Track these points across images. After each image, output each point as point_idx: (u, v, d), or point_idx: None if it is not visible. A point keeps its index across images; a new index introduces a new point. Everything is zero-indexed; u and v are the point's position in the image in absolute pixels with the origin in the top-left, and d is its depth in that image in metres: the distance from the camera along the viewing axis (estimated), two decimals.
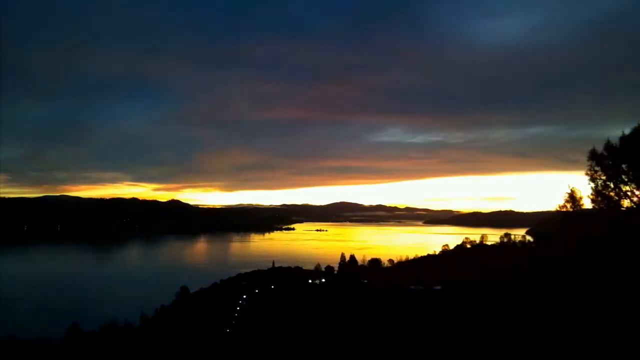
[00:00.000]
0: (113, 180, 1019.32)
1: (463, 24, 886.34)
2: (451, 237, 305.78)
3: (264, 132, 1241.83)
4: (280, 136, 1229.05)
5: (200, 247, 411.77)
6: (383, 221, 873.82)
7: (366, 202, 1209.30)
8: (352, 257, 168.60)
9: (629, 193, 20.38)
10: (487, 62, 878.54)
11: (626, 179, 20.59)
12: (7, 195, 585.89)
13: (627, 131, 21.45)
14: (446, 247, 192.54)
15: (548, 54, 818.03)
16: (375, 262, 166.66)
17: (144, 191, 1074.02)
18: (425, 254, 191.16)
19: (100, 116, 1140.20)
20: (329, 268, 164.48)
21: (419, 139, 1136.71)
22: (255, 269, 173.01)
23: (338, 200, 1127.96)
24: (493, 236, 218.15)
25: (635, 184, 20.03)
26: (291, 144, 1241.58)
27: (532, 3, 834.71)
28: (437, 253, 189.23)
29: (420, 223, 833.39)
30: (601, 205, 21.32)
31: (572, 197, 22.55)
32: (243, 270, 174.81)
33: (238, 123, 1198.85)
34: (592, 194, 21.80)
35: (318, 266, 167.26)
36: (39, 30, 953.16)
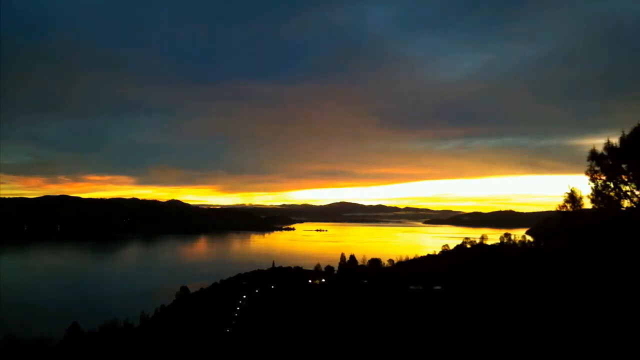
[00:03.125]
0: (116, 183, 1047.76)
1: (432, 62, 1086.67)
2: (451, 237, 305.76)
3: (264, 141, 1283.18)
4: (280, 144, 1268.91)
5: (200, 247, 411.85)
6: (383, 221, 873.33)
7: (366, 202, 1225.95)
8: (352, 257, 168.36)
9: (629, 193, 20.38)
10: (447, 89, 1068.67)
11: (626, 179, 20.59)
12: (9, 196, 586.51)
13: (627, 131, 21.47)
14: (446, 247, 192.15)
15: (502, 82, 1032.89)
16: (375, 262, 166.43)
17: (148, 193, 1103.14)
18: (425, 254, 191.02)
19: (108, 129, 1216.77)
20: (329, 268, 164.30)
21: (407, 146, 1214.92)
22: (255, 269, 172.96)
23: (338, 200, 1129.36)
24: (493, 236, 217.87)
25: (635, 184, 20.04)
26: (290, 151, 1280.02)
27: (481, 45, 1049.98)
28: (437, 253, 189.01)
29: (421, 223, 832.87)
30: (601, 206, 21.32)
31: (572, 197, 22.53)
32: (243, 270, 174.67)
33: (238, 134, 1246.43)
34: (592, 194, 21.79)
35: (318, 266, 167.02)
36: (56, 58, 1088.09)
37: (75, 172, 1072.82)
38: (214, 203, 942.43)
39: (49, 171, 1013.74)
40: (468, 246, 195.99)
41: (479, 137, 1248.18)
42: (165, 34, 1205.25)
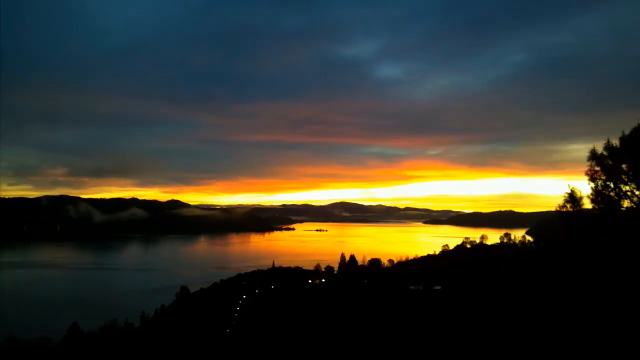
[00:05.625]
0: (118, 184, 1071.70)
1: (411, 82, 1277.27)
2: (451, 237, 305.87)
3: (265, 149, 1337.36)
4: (281, 151, 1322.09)
5: (200, 247, 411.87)
6: (383, 221, 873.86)
7: (366, 202, 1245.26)
8: (352, 257, 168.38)
9: (629, 193, 20.32)
10: (425, 107, 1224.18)
11: (626, 179, 20.54)
12: (10, 196, 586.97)
13: (626, 131, 21.42)
14: (446, 247, 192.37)
15: (471, 100, 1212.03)
16: (375, 262, 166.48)
17: (149, 193, 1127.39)
18: (425, 254, 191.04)
19: (116, 140, 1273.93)
20: (329, 268, 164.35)
21: (400, 152, 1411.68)
22: (255, 269, 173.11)
23: (338, 200, 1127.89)
24: (493, 236, 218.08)
25: (635, 184, 20.00)
26: (289, 156, 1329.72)
27: (453, 69, 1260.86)
28: (437, 253, 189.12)
29: (421, 223, 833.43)
30: (601, 206, 21.28)
31: (572, 197, 22.48)
32: (243, 270, 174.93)
33: (238, 142, 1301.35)
34: (592, 194, 21.73)
35: (318, 266, 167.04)
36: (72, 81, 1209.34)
37: (78, 174, 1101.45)
38: (214, 203, 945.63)
39: (53, 173, 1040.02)
40: (468, 246, 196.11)
41: (463, 144, 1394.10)
42: (165, 66, 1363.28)
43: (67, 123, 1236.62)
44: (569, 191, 22.78)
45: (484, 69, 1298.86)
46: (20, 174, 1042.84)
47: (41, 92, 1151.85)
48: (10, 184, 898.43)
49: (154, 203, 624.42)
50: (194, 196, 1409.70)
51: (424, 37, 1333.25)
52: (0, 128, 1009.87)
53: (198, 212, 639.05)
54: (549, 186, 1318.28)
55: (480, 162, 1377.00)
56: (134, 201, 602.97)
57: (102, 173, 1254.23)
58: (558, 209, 23.18)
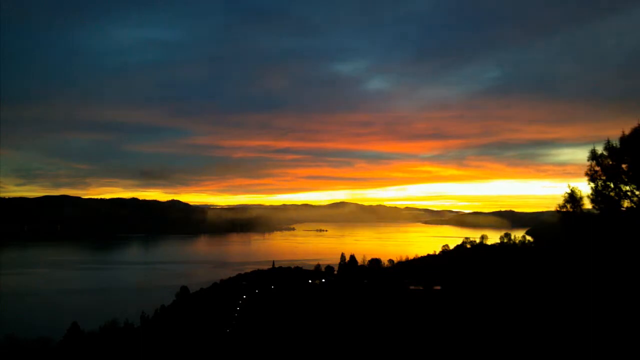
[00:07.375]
0: (118, 185, 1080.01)
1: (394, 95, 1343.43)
2: (451, 237, 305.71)
3: (259, 152, 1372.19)
4: (275, 154, 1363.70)
5: (201, 247, 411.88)
6: (383, 221, 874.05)
7: (366, 202, 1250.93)
8: (352, 257, 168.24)
9: (629, 193, 20.33)
10: (412, 115, 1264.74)
11: (626, 179, 20.54)
12: (11, 196, 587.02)
13: (626, 131, 21.40)
14: (446, 247, 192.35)
15: (456, 109, 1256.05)
16: (375, 262, 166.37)
17: (149, 194, 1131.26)
18: (425, 254, 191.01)
19: (119, 144, 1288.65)
20: (329, 268, 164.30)
21: (393, 155, 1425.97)
22: (255, 269, 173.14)
23: (338, 200, 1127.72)
24: (493, 236, 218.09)
25: (636, 184, 20.00)
26: (284, 159, 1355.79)
27: (433, 83, 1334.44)
28: (437, 253, 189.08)
29: (421, 223, 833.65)
30: (601, 206, 21.27)
31: (572, 198, 22.47)
32: (243, 270, 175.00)
33: (234, 146, 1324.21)
34: (592, 194, 21.72)
35: (318, 266, 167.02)
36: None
37: (81, 176, 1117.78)
38: (214, 203, 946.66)
39: (57, 174, 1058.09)
40: (468, 246, 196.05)
41: (452, 149, 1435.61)
42: (167, 82, 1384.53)
43: (73, 129, 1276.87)
44: (569, 191, 22.77)
45: (464, 83, 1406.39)
46: (26, 176, 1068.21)
47: (52, 102, 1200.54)
48: (17, 185, 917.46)
49: (154, 203, 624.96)
50: (194, 197, 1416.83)
51: (409, 56, 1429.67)
52: (10, 133, 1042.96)
53: (198, 212, 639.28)
54: (534, 187, 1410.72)
55: (466, 164, 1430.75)
56: (134, 201, 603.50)
57: (104, 174, 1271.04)
58: (558, 209, 23.16)
